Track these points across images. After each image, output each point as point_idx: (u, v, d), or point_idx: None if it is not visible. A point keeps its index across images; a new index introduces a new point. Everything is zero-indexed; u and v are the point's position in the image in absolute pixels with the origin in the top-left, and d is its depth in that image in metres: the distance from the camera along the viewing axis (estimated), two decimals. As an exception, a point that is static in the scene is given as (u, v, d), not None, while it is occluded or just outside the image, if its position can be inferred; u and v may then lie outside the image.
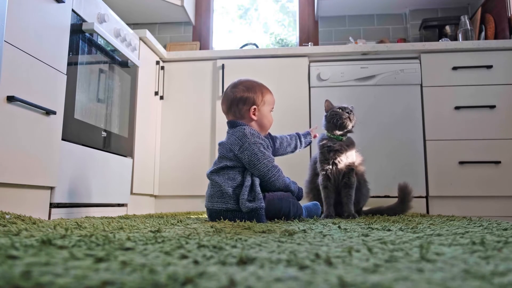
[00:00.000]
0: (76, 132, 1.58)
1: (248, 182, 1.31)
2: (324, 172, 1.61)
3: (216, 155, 2.33)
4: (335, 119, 1.62)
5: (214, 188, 1.36)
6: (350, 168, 1.61)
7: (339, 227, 1.03)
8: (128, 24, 2.99)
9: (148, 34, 2.22)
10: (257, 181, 1.33)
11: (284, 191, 1.38)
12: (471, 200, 2.20)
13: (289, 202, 1.37)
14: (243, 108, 1.43)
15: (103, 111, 1.79)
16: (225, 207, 1.32)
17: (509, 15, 2.39)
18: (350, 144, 1.64)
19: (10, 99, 1.22)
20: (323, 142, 1.64)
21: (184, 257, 0.50)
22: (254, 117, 1.44)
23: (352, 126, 1.66)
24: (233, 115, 1.46)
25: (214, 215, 1.36)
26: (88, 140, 1.67)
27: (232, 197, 1.31)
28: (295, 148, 1.64)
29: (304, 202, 1.54)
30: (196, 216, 1.66)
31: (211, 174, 1.38)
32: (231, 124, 1.43)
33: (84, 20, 1.65)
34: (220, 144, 1.43)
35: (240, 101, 1.43)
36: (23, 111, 1.29)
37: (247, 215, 1.28)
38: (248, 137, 1.35)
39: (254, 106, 1.43)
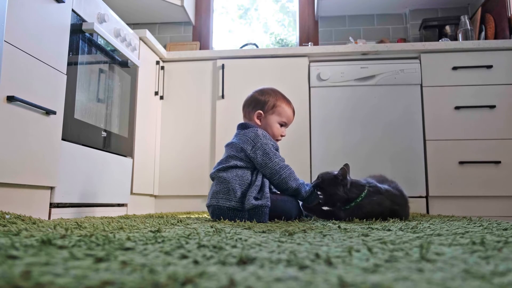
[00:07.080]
0: (76, 132, 1.58)
1: (258, 181, 1.31)
2: None
3: (218, 155, 2.36)
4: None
5: (221, 185, 1.35)
6: None
7: (339, 227, 1.03)
8: (128, 24, 2.98)
9: (148, 34, 2.22)
10: (267, 182, 1.33)
11: (295, 193, 1.36)
12: (471, 200, 2.20)
13: (293, 204, 1.37)
14: (252, 111, 1.45)
15: (103, 111, 1.79)
16: (229, 205, 1.31)
17: (509, 15, 2.39)
18: None
19: (10, 99, 1.22)
20: None
21: (184, 257, 0.50)
22: (258, 122, 1.44)
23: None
24: (244, 115, 1.49)
25: (217, 212, 1.34)
26: (88, 140, 1.67)
27: (238, 195, 1.30)
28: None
29: None
30: (196, 216, 1.65)
31: (218, 172, 1.37)
32: (243, 126, 1.44)
33: (84, 20, 1.65)
34: (227, 145, 1.42)
35: (251, 102, 1.46)
36: (23, 111, 1.29)
37: (249, 213, 1.28)
38: (260, 138, 1.36)
39: (260, 111, 1.43)
